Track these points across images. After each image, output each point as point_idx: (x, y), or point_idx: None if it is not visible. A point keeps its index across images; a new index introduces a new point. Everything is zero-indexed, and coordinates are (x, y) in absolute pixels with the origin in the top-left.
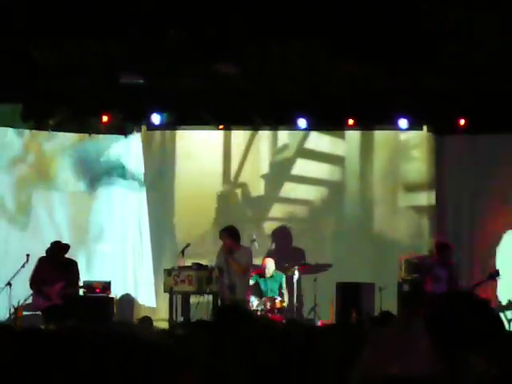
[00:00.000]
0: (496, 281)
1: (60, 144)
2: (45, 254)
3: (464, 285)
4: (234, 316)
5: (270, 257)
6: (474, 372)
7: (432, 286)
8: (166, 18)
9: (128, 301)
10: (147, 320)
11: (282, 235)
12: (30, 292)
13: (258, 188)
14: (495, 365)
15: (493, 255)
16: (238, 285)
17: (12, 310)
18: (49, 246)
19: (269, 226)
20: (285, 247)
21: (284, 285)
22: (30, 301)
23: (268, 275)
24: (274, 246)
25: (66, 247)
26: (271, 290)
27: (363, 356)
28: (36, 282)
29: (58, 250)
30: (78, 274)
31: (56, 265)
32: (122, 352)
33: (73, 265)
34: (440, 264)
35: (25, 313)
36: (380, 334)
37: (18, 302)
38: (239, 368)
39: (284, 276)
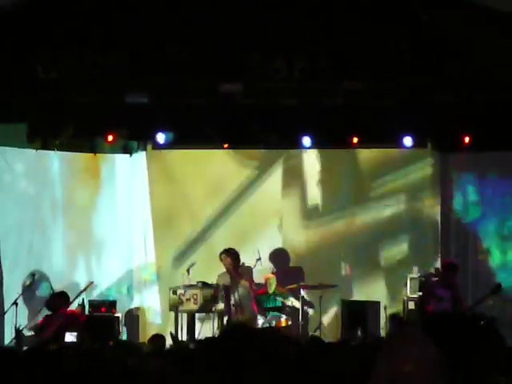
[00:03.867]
0: (498, 295)
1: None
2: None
3: (468, 304)
4: (243, 335)
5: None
6: None
7: (434, 306)
8: (169, 35)
9: (133, 319)
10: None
11: (280, 256)
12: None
13: (267, 206)
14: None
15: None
16: (244, 303)
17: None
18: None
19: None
20: (284, 268)
21: (289, 302)
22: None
23: (270, 291)
24: (273, 268)
25: (66, 301)
26: (275, 307)
27: (380, 359)
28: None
29: (59, 302)
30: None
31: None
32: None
33: (74, 318)
34: (442, 284)
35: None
36: (394, 339)
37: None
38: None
39: (288, 293)
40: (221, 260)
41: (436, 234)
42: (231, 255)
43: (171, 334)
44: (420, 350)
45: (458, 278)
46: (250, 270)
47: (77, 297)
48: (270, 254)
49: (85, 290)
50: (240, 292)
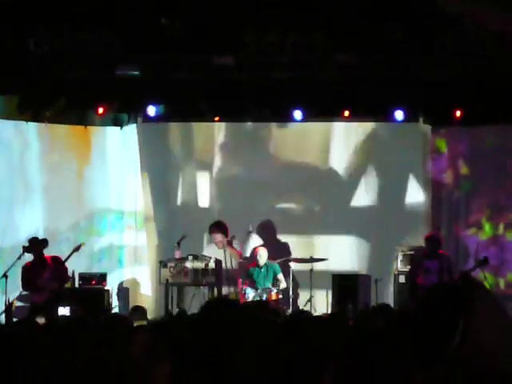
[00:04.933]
0: (484, 268)
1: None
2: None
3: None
4: (225, 309)
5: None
6: None
7: (423, 279)
8: (161, 7)
9: (124, 292)
10: (139, 310)
11: (265, 229)
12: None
13: (259, 179)
14: None
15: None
16: (233, 276)
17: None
18: (26, 243)
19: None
20: (269, 241)
21: (279, 275)
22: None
23: (261, 263)
24: (260, 240)
25: (44, 242)
26: (265, 279)
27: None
28: (26, 282)
29: (36, 245)
30: (65, 271)
31: (39, 263)
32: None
33: (57, 262)
34: (429, 256)
35: (19, 304)
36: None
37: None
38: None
39: (278, 266)
40: (210, 233)
41: (427, 208)
42: (221, 228)
43: (179, 307)
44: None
45: (449, 250)
46: (238, 243)
47: (68, 258)
48: (258, 227)
49: (76, 250)
50: (233, 265)
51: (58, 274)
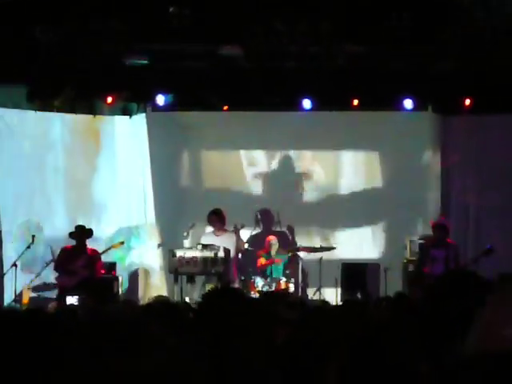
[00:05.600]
0: (490, 256)
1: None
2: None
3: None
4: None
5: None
6: None
7: (429, 268)
8: None
9: (134, 281)
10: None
11: (267, 218)
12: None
13: (266, 167)
14: None
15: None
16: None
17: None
18: (73, 229)
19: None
20: (269, 229)
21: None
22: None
23: (273, 253)
24: (259, 229)
25: (90, 232)
26: (276, 270)
27: (481, 317)
28: (60, 264)
29: (81, 233)
30: (100, 264)
31: (78, 250)
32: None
33: (95, 254)
34: (436, 245)
35: (32, 295)
36: (497, 298)
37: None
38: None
39: (287, 256)
40: (209, 221)
41: (437, 197)
42: (220, 217)
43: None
44: None
45: (459, 238)
46: (232, 234)
47: (104, 252)
48: (262, 215)
49: (115, 247)
50: (243, 253)
51: (91, 264)
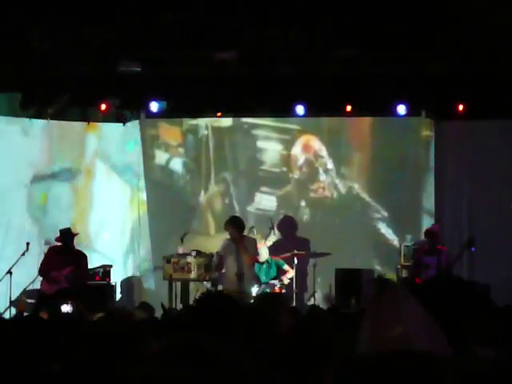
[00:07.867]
0: (473, 249)
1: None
2: (55, 243)
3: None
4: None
5: (277, 245)
6: (483, 361)
7: (423, 275)
8: (163, 2)
9: (129, 287)
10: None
11: (287, 225)
12: (32, 279)
13: (260, 175)
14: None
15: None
16: (246, 274)
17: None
18: (58, 233)
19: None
20: (290, 236)
21: (285, 266)
22: (32, 287)
23: (261, 260)
24: (279, 236)
25: (75, 234)
26: (266, 276)
27: (365, 325)
28: (45, 269)
29: (68, 236)
30: (87, 266)
31: (66, 254)
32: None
33: (83, 257)
34: (428, 252)
35: (28, 300)
36: (378, 302)
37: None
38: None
39: (281, 261)
40: (226, 229)
41: (431, 202)
42: (236, 223)
43: (162, 305)
44: (408, 312)
45: (453, 243)
46: (254, 240)
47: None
48: (279, 221)
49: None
50: (244, 261)
51: (78, 271)
